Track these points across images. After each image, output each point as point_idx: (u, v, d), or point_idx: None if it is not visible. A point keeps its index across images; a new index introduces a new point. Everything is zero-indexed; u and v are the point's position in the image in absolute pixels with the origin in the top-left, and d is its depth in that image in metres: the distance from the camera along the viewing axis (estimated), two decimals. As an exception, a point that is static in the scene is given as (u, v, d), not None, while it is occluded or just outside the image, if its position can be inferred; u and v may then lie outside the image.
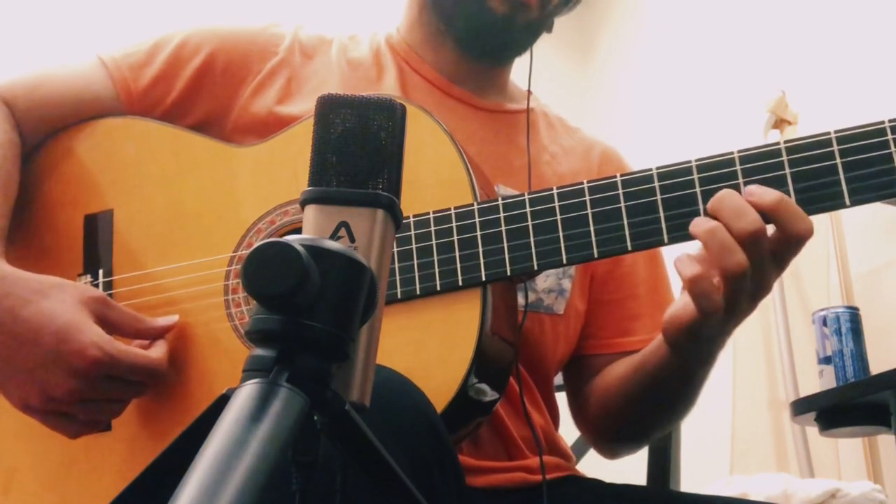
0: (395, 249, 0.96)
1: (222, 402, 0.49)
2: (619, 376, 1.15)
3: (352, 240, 0.56)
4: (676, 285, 1.22)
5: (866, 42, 2.44)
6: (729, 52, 2.96)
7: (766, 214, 0.85)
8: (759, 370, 2.59)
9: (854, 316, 2.05)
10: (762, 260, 0.86)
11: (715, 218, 0.86)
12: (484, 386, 0.94)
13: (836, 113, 2.42)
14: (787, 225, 0.85)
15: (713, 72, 3.02)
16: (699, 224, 0.87)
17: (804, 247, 0.87)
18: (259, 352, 0.50)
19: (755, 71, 2.80)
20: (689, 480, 1.48)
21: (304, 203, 0.58)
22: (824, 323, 2.07)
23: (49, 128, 1.14)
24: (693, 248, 0.89)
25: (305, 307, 0.50)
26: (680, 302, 0.92)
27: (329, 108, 0.58)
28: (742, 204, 0.85)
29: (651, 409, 1.14)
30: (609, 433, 1.22)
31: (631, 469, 1.33)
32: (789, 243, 0.86)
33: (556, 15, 1.20)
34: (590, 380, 1.20)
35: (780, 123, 2.55)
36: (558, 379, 1.25)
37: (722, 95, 2.93)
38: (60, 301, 0.93)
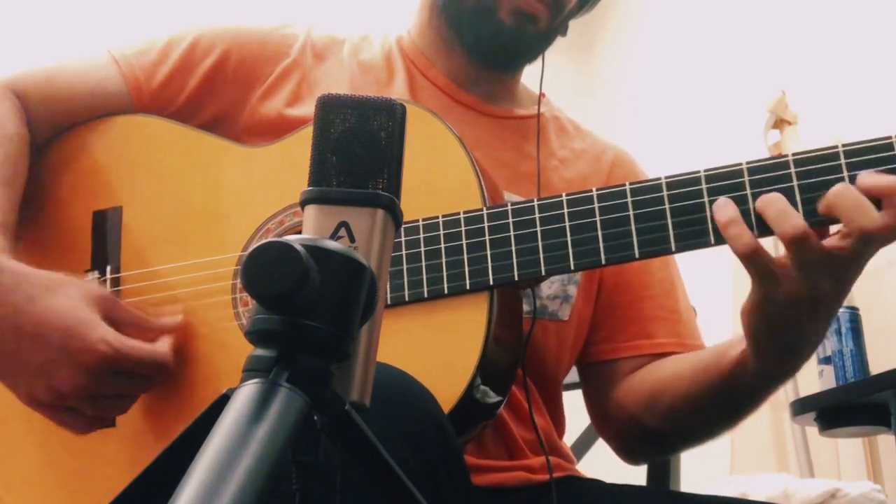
0: (404, 252, 0.97)
1: (222, 401, 0.49)
2: (677, 377, 1.09)
3: (352, 240, 0.56)
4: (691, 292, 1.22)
5: (866, 42, 2.44)
6: (729, 52, 2.96)
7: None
8: (760, 370, 2.58)
9: (854, 316, 2.04)
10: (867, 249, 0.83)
11: (830, 214, 0.84)
12: (489, 389, 0.94)
13: (836, 113, 2.42)
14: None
15: (713, 71, 3.02)
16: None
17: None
18: (259, 352, 0.50)
19: (755, 71, 2.80)
20: (689, 480, 1.48)
21: (304, 203, 0.58)
22: (824, 323, 2.06)
23: (59, 123, 1.14)
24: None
25: (305, 307, 0.50)
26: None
27: (329, 108, 0.58)
28: (863, 200, 0.83)
29: (719, 410, 1.08)
30: (650, 436, 1.16)
31: (631, 469, 1.33)
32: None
33: (571, 18, 1.19)
34: (615, 384, 1.16)
35: (780, 123, 2.55)
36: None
37: (722, 95, 2.93)
38: (67, 297, 0.93)
